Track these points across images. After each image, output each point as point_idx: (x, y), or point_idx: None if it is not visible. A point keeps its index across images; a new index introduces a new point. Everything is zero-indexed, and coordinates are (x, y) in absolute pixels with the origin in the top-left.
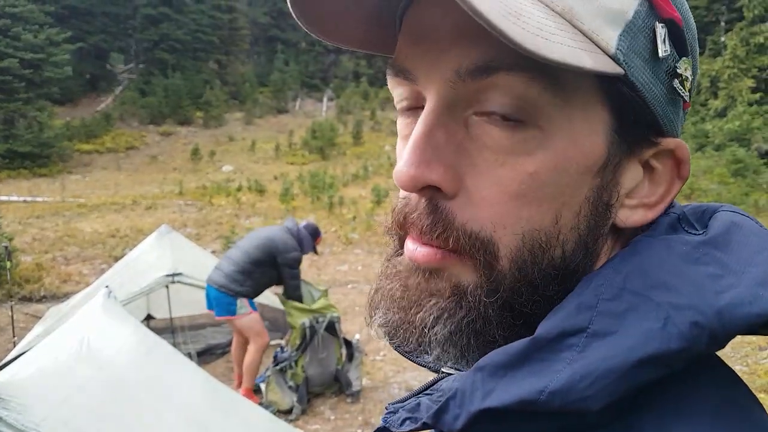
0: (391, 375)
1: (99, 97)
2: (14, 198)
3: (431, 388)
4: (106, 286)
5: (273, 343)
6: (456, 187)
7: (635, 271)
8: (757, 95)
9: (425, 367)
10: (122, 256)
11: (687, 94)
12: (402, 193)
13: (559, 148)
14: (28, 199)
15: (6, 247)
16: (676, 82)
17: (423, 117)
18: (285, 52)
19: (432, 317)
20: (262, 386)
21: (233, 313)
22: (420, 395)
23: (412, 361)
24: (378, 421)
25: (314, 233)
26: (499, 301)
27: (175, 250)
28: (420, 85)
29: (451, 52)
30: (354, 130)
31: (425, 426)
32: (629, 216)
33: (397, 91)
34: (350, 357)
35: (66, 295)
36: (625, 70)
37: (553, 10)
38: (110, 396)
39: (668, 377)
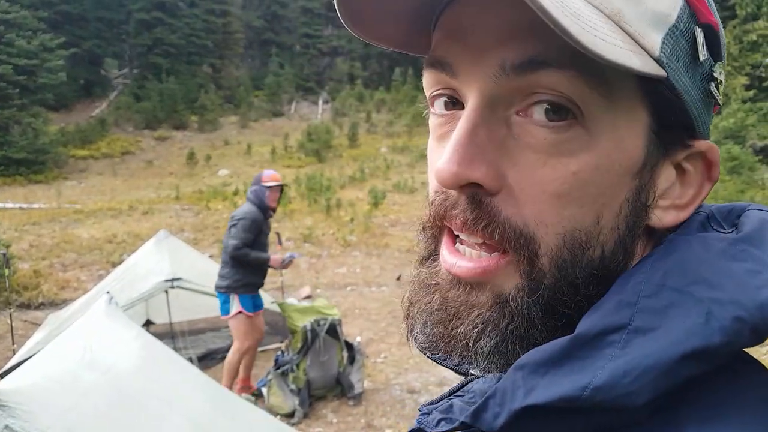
0: (392, 377)
1: (93, 102)
2: (10, 205)
3: (462, 389)
4: (107, 292)
5: (273, 346)
6: (498, 185)
7: (675, 268)
8: (751, 92)
9: (452, 369)
10: (120, 262)
11: (720, 97)
12: (438, 188)
13: (603, 149)
14: (24, 205)
15: (3, 255)
16: (712, 86)
17: (465, 115)
18: (279, 55)
19: (476, 330)
20: (264, 390)
21: (226, 312)
22: (451, 397)
23: (439, 363)
24: (380, 423)
25: (257, 180)
26: (540, 300)
27: (173, 255)
28: (460, 79)
29: (497, 47)
30: (350, 132)
31: (461, 426)
32: (662, 217)
33: (433, 84)
34: (352, 359)
35: (64, 302)
36: (667, 73)
37: (603, 13)
38: (115, 402)
39: (708, 373)
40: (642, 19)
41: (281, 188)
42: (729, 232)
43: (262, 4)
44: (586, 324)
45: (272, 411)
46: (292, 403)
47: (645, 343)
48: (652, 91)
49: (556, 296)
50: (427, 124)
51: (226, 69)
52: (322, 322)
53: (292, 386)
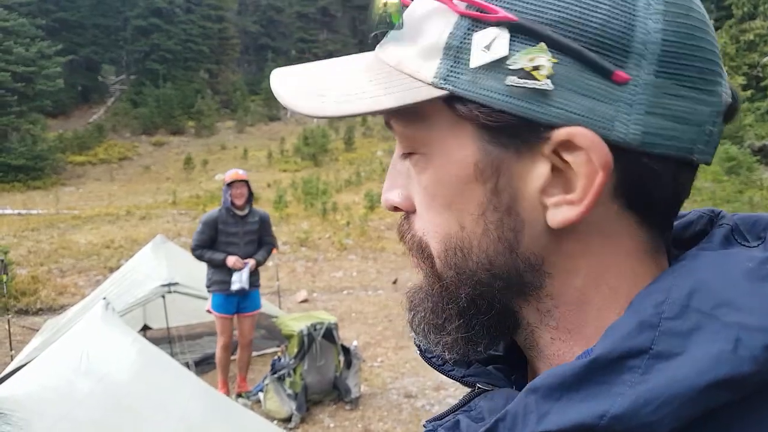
0: (389, 381)
1: (91, 108)
2: (8, 211)
3: (468, 405)
4: (104, 298)
5: (270, 351)
6: (410, 206)
7: (699, 288)
8: (749, 92)
9: (459, 381)
10: (117, 267)
11: (547, 81)
12: None
13: (438, 165)
14: (23, 211)
15: (2, 261)
16: (516, 78)
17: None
18: (275, 60)
19: (417, 319)
20: (261, 395)
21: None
22: (457, 412)
23: (446, 375)
24: (377, 428)
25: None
26: (455, 297)
27: (170, 260)
28: None
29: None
30: (346, 136)
31: None
32: (555, 215)
33: None
34: (348, 364)
35: (62, 308)
36: (449, 90)
37: (389, 65)
38: (110, 409)
39: (733, 403)
40: (417, 58)
41: (246, 184)
42: (754, 246)
43: (258, 10)
44: (604, 346)
45: (269, 416)
46: (289, 407)
47: (668, 370)
48: (457, 108)
49: (466, 291)
50: None
51: (223, 74)
52: (318, 327)
53: (289, 391)
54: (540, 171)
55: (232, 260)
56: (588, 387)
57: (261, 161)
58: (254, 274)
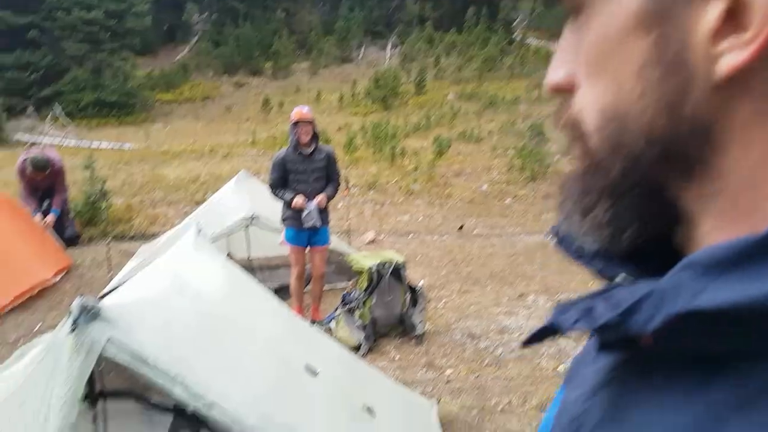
0: (453, 321)
1: (176, 47)
2: (104, 145)
3: (604, 294)
4: (196, 223)
5: (340, 286)
6: (571, 83)
7: None
8: None
9: (597, 274)
10: (203, 201)
11: None
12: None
13: (599, 22)
14: (117, 146)
15: (101, 189)
16: None
17: None
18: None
19: (567, 202)
20: (332, 324)
21: None
22: (593, 298)
23: (584, 265)
24: (441, 363)
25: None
26: (608, 174)
27: (252, 194)
28: None
29: None
30: (417, 78)
31: (600, 329)
32: (724, 63)
33: None
34: (414, 302)
35: (154, 235)
36: None
37: None
38: (202, 324)
39: None
40: None
41: (311, 123)
42: None
43: None
44: None
45: (340, 343)
46: (358, 337)
47: None
48: None
49: (621, 166)
50: (498, 69)
51: (299, 13)
52: (387, 265)
53: (358, 322)
54: (712, 13)
55: (295, 201)
56: (754, 264)
57: (333, 104)
58: (324, 211)
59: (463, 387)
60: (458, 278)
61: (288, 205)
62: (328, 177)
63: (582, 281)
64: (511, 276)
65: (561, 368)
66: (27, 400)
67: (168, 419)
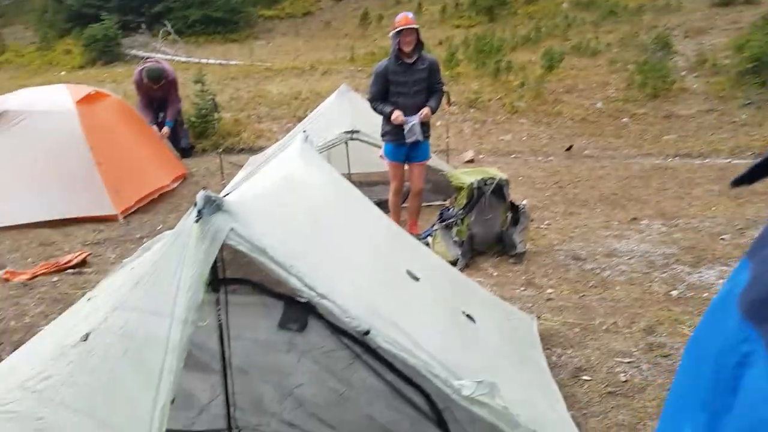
0: (556, 243)
1: None
2: (212, 61)
3: None
4: (304, 131)
5: (436, 203)
6: None
7: None
8: None
9: None
10: (305, 117)
11: None
12: None
13: None
14: (223, 62)
15: (213, 99)
16: None
17: None
18: None
19: None
20: (429, 239)
21: None
22: None
23: None
24: (542, 283)
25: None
26: None
27: (353, 108)
28: None
29: None
30: None
31: None
32: None
33: None
34: (516, 221)
35: (261, 149)
36: None
37: None
38: (313, 224)
39: None
40: None
41: (415, 30)
42: None
43: None
44: None
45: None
46: (455, 253)
47: None
48: None
49: None
50: None
51: None
52: (489, 182)
53: (456, 238)
54: None
55: (395, 116)
56: None
57: (434, 16)
58: (425, 125)
59: (565, 306)
60: (564, 200)
61: (387, 119)
62: (431, 88)
63: (702, 207)
64: (623, 199)
65: (674, 293)
66: (159, 280)
67: (280, 306)
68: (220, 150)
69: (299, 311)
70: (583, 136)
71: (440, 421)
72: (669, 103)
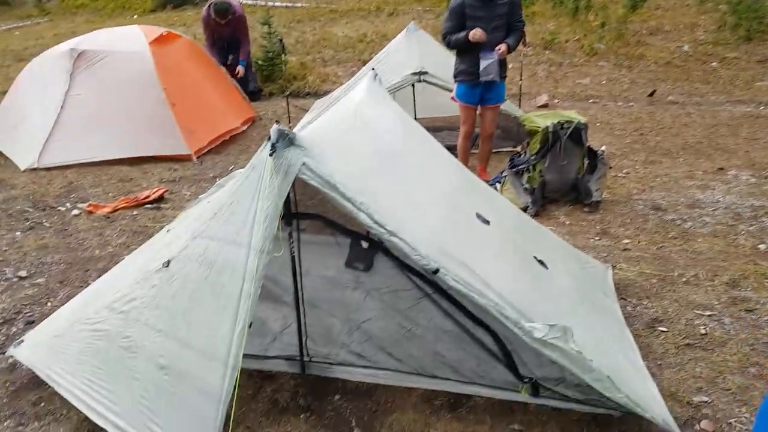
0: (635, 192)
1: None
2: (277, 3)
3: None
4: (372, 68)
5: (505, 150)
6: None
7: None
8: None
9: None
10: (370, 60)
11: None
12: None
13: None
14: (289, 4)
15: (281, 40)
16: None
17: None
18: None
19: None
20: (498, 186)
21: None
22: None
23: None
24: (618, 233)
25: None
26: None
27: (422, 49)
28: None
29: None
30: None
31: None
32: None
33: None
34: (593, 168)
35: (326, 92)
36: None
37: None
38: (382, 162)
39: None
40: None
41: None
42: None
43: None
44: None
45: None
46: (525, 200)
47: None
48: None
49: None
50: None
51: None
52: (566, 125)
53: (526, 185)
54: None
55: (473, 32)
56: None
57: None
58: (503, 64)
59: (643, 256)
60: (644, 148)
61: (463, 55)
62: (510, 26)
63: None
64: (709, 148)
65: (762, 247)
66: (236, 211)
67: (347, 246)
68: (287, 93)
69: (366, 252)
70: (668, 81)
71: (509, 364)
72: (764, 47)
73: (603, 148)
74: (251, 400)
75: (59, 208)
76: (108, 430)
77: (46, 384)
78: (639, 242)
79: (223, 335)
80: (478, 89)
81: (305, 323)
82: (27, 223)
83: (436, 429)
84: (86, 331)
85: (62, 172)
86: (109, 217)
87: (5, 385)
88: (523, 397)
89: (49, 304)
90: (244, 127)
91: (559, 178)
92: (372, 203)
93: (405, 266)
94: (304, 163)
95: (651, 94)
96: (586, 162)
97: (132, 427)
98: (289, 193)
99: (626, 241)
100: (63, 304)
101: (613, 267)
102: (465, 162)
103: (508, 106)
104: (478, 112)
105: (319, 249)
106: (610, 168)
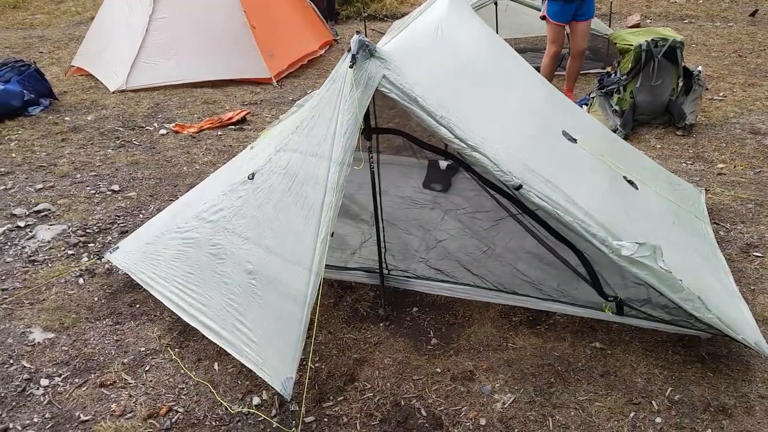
0: (732, 116)
1: None
2: None
3: None
4: None
5: (594, 71)
6: None
7: None
8: None
9: None
10: None
11: None
12: None
13: None
14: None
15: None
16: None
17: None
18: None
19: None
20: (585, 108)
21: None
22: None
23: None
24: (712, 157)
25: None
26: None
27: None
28: None
29: None
30: None
31: None
32: None
33: None
34: (688, 89)
35: (403, 15)
36: None
37: None
38: (463, 77)
39: None
40: None
41: None
42: None
43: None
44: None
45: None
46: (613, 122)
47: None
48: None
49: None
50: None
51: None
52: (660, 43)
53: (615, 107)
54: None
55: None
56: None
57: None
58: None
59: (738, 181)
60: (744, 70)
61: None
62: None
63: None
64: None
65: None
66: (317, 124)
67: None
68: (364, 15)
69: (444, 173)
70: None
71: (594, 283)
72: None
73: (699, 68)
74: (333, 308)
75: (147, 127)
76: (198, 329)
77: (141, 287)
78: (735, 167)
79: (307, 243)
80: (572, 6)
81: (384, 239)
82: (118, 141)
83: (514, 343)
84: (177, 239)
85: (149, 93)
86: (194, 137)
87: (103, 288)
88: (607, 315)
89: (140, 215)
90: (322, 51)
91: (651, 100)
92: (453, 117)
93: (486, 184)
94: (384, 76)
95: (753, 14)
96: (681, 83)
97: (221, 327)
98: (368, 108)
99: (721, 165)
100: (154, 216)
101: (707, 191)
102: (550, 81)
103: (597, 25)
104: (566, 31)
105: (397, 169)
106: (706, 90)
